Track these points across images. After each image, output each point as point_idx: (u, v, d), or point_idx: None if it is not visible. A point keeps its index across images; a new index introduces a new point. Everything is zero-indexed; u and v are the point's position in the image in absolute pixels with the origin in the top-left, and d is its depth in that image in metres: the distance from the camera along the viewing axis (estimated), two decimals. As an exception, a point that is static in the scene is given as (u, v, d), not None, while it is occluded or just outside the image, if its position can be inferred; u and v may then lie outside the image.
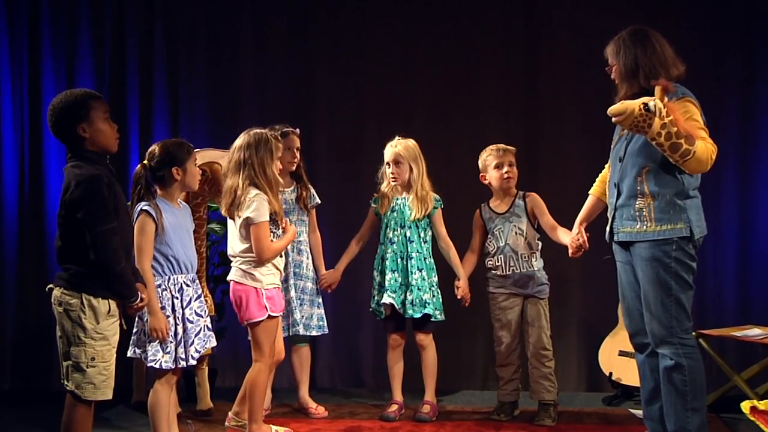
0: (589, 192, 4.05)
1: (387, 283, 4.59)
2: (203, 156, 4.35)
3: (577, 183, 4.95)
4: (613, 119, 3.32)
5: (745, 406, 4.09)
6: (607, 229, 3.71)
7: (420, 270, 4.60)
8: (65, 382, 3.27)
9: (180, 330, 3.75)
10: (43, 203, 5.53)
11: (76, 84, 5.54)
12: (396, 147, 4.63)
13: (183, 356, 3.75)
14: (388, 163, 4.65)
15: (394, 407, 4.68)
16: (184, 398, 4.80)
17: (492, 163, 4.66)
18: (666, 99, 3.33)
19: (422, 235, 4.66)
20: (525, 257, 4.60)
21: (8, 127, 5.63)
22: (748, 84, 5.32)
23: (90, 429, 3.35)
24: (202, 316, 3.86)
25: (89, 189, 3.17)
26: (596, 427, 4.50)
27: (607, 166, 3.92)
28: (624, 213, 3.59)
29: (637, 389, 4.81)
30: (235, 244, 4.08)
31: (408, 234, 4.63)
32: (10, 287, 5.57)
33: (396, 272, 4.60)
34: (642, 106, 3.24)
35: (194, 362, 3.84)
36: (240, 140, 4.05)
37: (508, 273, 4.63)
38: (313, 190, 4.75)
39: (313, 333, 4.69)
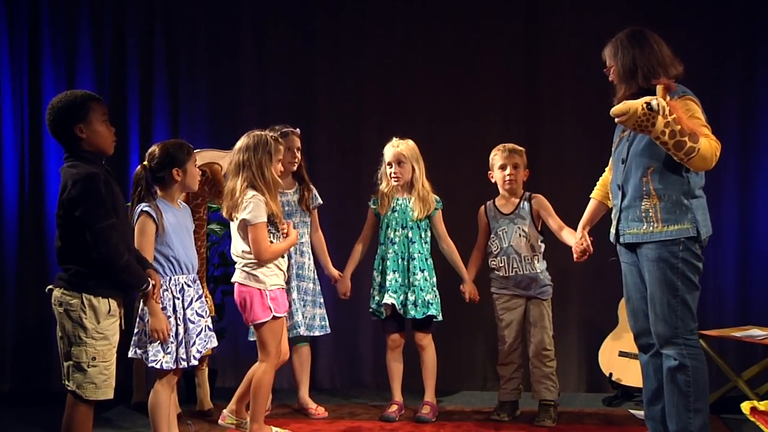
0: (591, 196, 4.04)
1: (388, 283, 4.59)
2: (203, 156, 4.35)
3: (576, 184, 4.97)
4: (616, 119, 3.32)
5: (745, 406, 4.09)
6: (612, 230, 3.71)
7: (422, 270, 4.61)
8: (66, 382, 3.28)
9: (181, 330, 3.75)
10: (43, 203, 5.55)
11: (76, 84, 5.55)
12: (398, 147, 4.62)
13: (184, 357, 3.75)
14: (389, 163, 4.64)
15: (394, 408, 4.68)
16: (184, 399, 4.81)
17: (497, 164, 4.67)
18: (668, 97, 3.33)
19: (423, 235, 4.66)
20: (528, 259, 4.60)
21: (8, 127, 5.63)
22: (748, 84, 5.32)
23: (90, 429, 3.35)
24: (203, 317, 3.86)
25: (86, 187, 3.19)
26: (596, 428, 4.50)
27: (607, 169, 3.92)
28: (630, 214, 3.58)
29: (637, 390, 4.83)
30: (236, 246, 4.09)
31: (410, 235, 4.63)
32: (10, 287, 5.57)
33: (397, 272, 4.60)
34: (644, 105, 3.24)
35: (196, 362, 3.84)
36: (240, 142, 4.06)
37: (510, 274, 4.63)
38: (315, 191, 4.74)
39: (316, 333, 4.69)
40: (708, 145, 3.32)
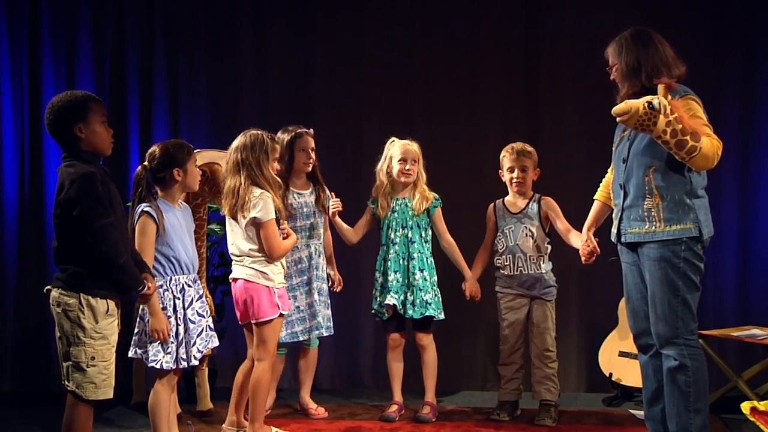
0: (594, 197, 4.04)
1: (389, 283, 4.59)
2: (203, 156, 4.35)
3: (577, 184, 4.99)
4: (618, 119, 3.31)
5: (745, 406, 4.10)
6: (614, 230, 3.70)
7: (421, 270, 4.61)
8: (66, 383, 3.29)
9: (182, 330, 3.75)
10: (43, 204, 5.55)
11: (76, 84, 5.55)
12: (412, 146, 4.64)
13: (185, 357, 3.75)
14: (403, 160, 4.62)
15: (394, 408, 4.68)
16: (184, 399, 4.81)
17: (506, 165, 4.67)
18: (669, 97, 3.33)
19: (423, 235, 4.66)
20: (533, 259, 4.59)
21: (8, 128, 5.63)
22: (748, 84, 5.32)
23: (91, 429, 3.36)
24: (203, 317, 3.86)
25: (83, 186, 3.20)
26: (596, 428, 4.50)
27: (610, 170, 3.92)
28: (632, 214, 3.58)
29: (638, 390, 4.83)
30: (241, 244, 4.08)
31: (409, 235, 4.63)
32: (10, 288, 5.57)
33: (398, 273, 4.60)
34: (646, 105, 3.23)
35: (196, 362, 3.85)
36: (237, 141, 4.08)
37: (515, 273, 4.63)
38: (327, 192, 4.72)
39: (323, 334, 4.66)
40: (710, 143, 3.31)
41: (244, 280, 4.07)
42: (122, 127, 5.44)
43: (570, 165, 5.33)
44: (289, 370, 4.94)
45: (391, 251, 4.63)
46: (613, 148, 3.77)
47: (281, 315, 4.11)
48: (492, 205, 4.79)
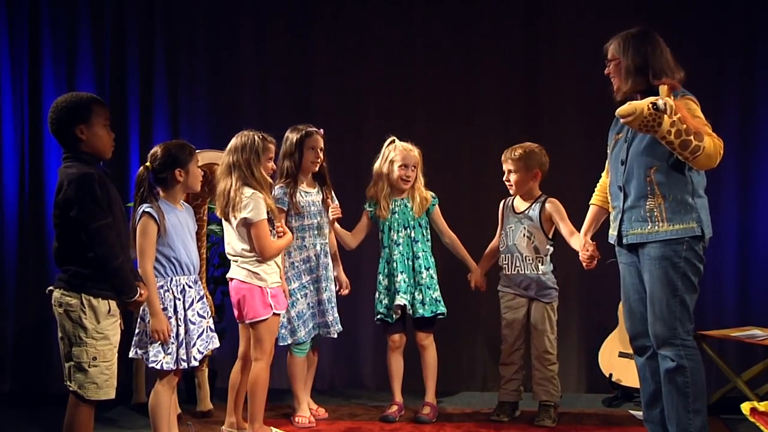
0: (591, 202, 4.03)
1: (397, 284, 4.59)
2: (203, 157, 4.35)
3: (577, 184, 4.99)
4: (622, 120, 3.29)
5: (746, 407, 4.09)
6: (614, 232, 3.69)
7: (427, 269, 4.63)
8: (68, 383, 3.30)
9: (182, 331, 3.75)
10: (43, 204, 5.54)
11: (76, 84, 5.55)
12: (413, 151, 4.64)
13: (185, 357, 3.75)
14: (404, 165, 4.62)
15: (394, 408, 4.69)
16: (184, 400, 4.80)
17: (503, 165, 4.67)
18: (672, 97, 3.31)
19: (425, 233, 4.68)
20: (529, 260, 4.59)
21: (8, 127, 5.63)
22: (748, 84, 5.32)
23: (92, 429, 3.37)
24: (204, 318, 3.86)
25: (81, 187, 3.22)
26: (596, 429, 4.51)
27: (604, 173, 3.91)
28: (633, 215, 3.57)
29: (637, 390, 4.81)
30: (234, 244, 4.13)
31: (412, 234, 4.64)
32: (10, 289, 5.56)
33: (404, 273, 4.61)
34: (650, 106, 3.21)
35: (197, 363, 3.85)
36: (230, 143, 4.15)
37: (512, 273, 4.63)
38: (333, 193, 4.71)
39: (334, 335, 4.65)
40: (712, 143, 3.30)
41: (238, 280, 4.13)
42: (122, 126, 5.44)
43: (570, 165, 5.33)
44: (286, 371, 4.90)
45: (396, 252, 4.63)
46: (608, 151, 3.76)
47: (275, 315, 4.12)
48: (503, 202, 4.78)
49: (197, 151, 4.00)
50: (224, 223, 4.17)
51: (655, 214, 3.50)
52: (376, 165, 4.70)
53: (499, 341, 4.74)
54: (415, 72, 5.60)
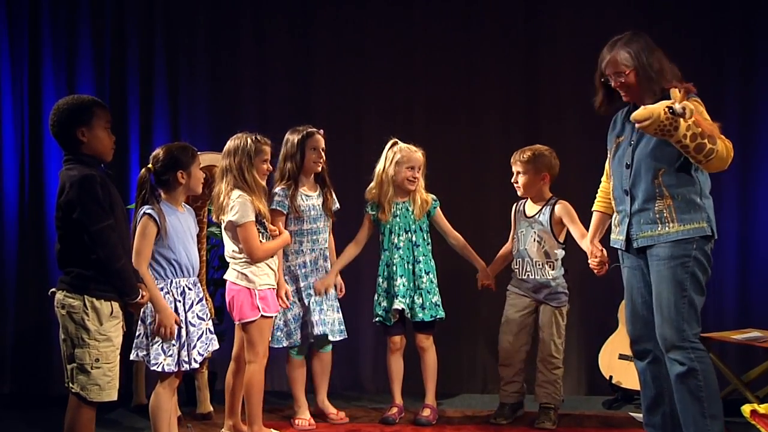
0: (593, 209, 4.00)
1: (396, 288, 4.58)
2: (203, 159, 4.33)
3: (577, 184, 4.99)
4: (637, 125, 3.24)
5: (746, 409, 4.09)
6: (619, 237, 3.65)
7: (427, 273, 4.62)
8: (70, 385, 3.31)
9: (183, 333, 3.74)
10: (43, 206, 5.52)
11: (75, 84, 5.54)
12: (418, 152, 4.63)
13: (186, 359, 3.74)
14: (411, 167, 4.60)
15: (394, 410, 4.68)
16: (184, 401, 4.79)
17: (512, 167, 4.65)
18: (686, 100, 3.24)
19: (426, 237, 4.67)
20: (539, 265, 4.56)
21: (8, 128, 5.61)
22: (748, 84, 5.32)
23: (93, 431, 3.37)
24: (204, 320, 3.85)
25: (83, 188, 3.22)
26: (596, 431, 4.51)
27: (605, 178, 3.88)
28: (642, 218, 3.54)
29: (638, 393, 4.80)
30: (227, 246, 4.20)
31: (413, 238, 4.63)
32: (10, 290, 5.55)
33: (404, 277, 4.60)
34: (667, 110, 3.17)
35: (197, 365, 3.84)
36: (225, 146, 4.19)
37: (523, 277, 4.61)
38: (334, 195, 4.69)
39: (336, 338, 4.64)
40: (724, 146, 3.28)
41: (229, 281, 4.18)
42: (122, 127, 5.42)
43: (570, 165, 5.29)
44: (284, 373, 4.89)
45: (396, 256, 4.62)
46: (610, 155, 3.72)
47: (264, 317, 4.12)
48: (515, 205, 4.76)
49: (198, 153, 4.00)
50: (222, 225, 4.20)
51: (665, 215, 3.47)
52: (379, 168, 4.67)
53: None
54: (415, 72, 5.59)
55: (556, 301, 4.57)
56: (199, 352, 3.80)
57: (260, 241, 4.13)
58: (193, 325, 3.79)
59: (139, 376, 4.92)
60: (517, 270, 4.63)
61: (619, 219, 3.67)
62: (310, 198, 4.57)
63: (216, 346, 3.94)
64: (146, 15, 5.62)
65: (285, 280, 4.51)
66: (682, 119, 3.17)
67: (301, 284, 4.54)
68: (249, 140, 4.13)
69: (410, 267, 4.62)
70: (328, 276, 4.61)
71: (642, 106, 3.26)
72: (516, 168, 4.61)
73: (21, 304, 5.53)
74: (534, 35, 5.51)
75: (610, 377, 4.95)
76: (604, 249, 3.97)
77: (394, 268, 4.61)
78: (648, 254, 3.55)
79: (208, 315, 3.92)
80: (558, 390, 4.57)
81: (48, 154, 5.56)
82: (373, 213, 4.71)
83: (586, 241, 4.33)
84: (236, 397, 4.29)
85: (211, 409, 4.77)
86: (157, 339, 3.67)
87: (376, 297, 4.68)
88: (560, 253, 4.59)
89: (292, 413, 4.67)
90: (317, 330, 4.51)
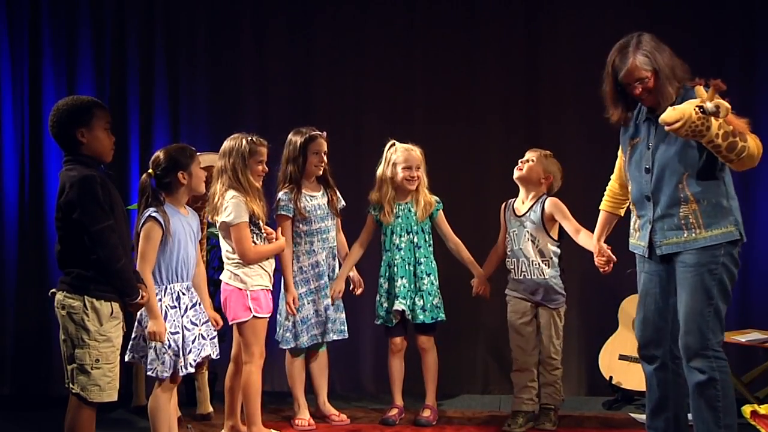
0: (600, 208, 3.91)
1: (397, 289, 4.58)
2: (203, 160, 4.33)
3: (577, 184, 4.99)
4: (667, 128, 3.13)
5: (746, 410, 4.10)
6: (640, 242, 3.53)
7: (428, 275, 4.61)
8: (70, 385, 3.31)
9: (178, 338, 3.73)
10: (43, 207, 5.53)
11: (76, 85, 5.55)
12: (415, 151, 4.62)
13: (182, 364, 3.74)
14: (408, 167, 4.60)
15: (395, 411, 4.68)
16: (184, 402, 4.78)
17: (525, 155, 4.61)
18: (716, 97, 3.11)
19: (427, 239, 4.67)
20: (536, 264, 4.51)
21: (8, 129, 5.61)
22: (748, 84, 5.31)
23: (93, 431, 3.37)
24: (197, 325, 3.83)
25: (83, 189, 3.22)
26: (596, 431, 4.50)
27: (614, 178, 3.81)
28: (665, 224, 3.41)
29: (638, 393, 4.84)
30: (222, 247, 4.24)
31: (415, 240, 4.62)
32: (10, 291, 5.55)
33: (405, 278, 4.59)
34: (698, 109, 3.06)
35: (192, 370, 3.82)
36: (222, 147, 4.21)
37: (519, 277, 4.55)
38: (338, 193, 4.70)
39: (335, 337, 4.63)
40: (754, 143, 3.19)
41: (223, 281, 4.21)
42: (122, 127, 5.43)
43: (570, 165, 5.27)
44: (284, 374, 4.88)
45: (397, 257, 4.62)
46: (625, 158, 3.60)
47: (256, 318, 4.12)
48: (504, 204, 4.71)
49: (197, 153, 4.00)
50: None
51: (691, 220, 3.35)
52: (379, 171, 4.67)
53: (500, 344, 4.71)
54: (415, 72, 5.59)
55: (553, 302, 4.52)
56: (193, 358, 3.79)
57: (254, 243, 4.14)
58: (188, 330, 3.78)
59: (139, 376, 4.91)
60: (513, 270, 4.59)
61: (640, 224, 3.55)
62: (314, 198, 4.57)
63: (208, 351, 3.88)
64: (146, 15, 5.62)
65: (296, 282, 4.52)
66: (713, 118, 3.06)
67: (315, 284, 4.55)
68: (244, 141, 4.14)
69: (411, 268, 4.62)
70: (338, 281, 4.64)
71: (669, 108, 3.15)
72: (530, 155, 4.55)
73: (21, 305, 5.53)
74: (534, 35, 5.50)
75: (610, 378, 4.95)
76: (610, 248, 3.92)
77: (395, 269, 4.61)
78: (674, 261, 3.42)
79: (201, 320, 3.88)
80: (558, 390, 4.56)
81: (48, 155, 5.57)
82: (376, 214, 4.71)
83: (582, 235, 4.32)
84: (236, 397, 4.30)
85: (211, 409, 4.77)
86: (152, 344, 3.66)
87: (378, 298, 4.68)
88: (555, 251, 4.54)
89: (292, 414, 4.67)
90: (328, 338, 4.57)
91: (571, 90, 5.39)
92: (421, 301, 4.58)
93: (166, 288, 3.75)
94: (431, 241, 4.69)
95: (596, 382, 5.24)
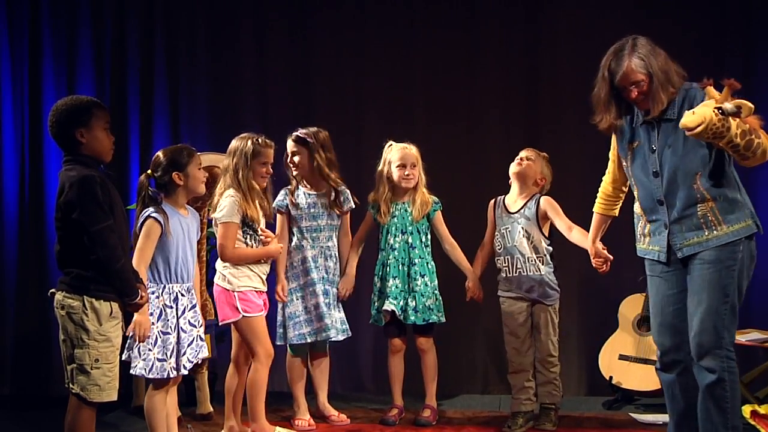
0: (594, 210, 3.88)
1: (388, 289, 4.57)
2: (204, 160, 4.33)
3: (577, 184, 4.99)
4: (688, 132, 3.09)
5: (746, 410, 4.11)
6: (655, 247, 3.47)
7: (423, 276, 4.60)
8: (70, 385, 3.31)
9: (174, 339, 3.73)
10: (43, 207, 5.54)
11: (76, 84, 5.56)
12: (410, 149, 4.62)
13: (175, 365, 3.73)
14: (402, 165, 4.60)
15: (395, 411, 4.68)
16: (184, 402, 4.79)
17: (520, 153, 4.60)
18: (731, 97, 3.10)
19: (423, 239, 4.65)
20: (532, 260, 4.48)
21: (8, 129, 5.62)
22: (749, 84, 5.28)
23: (93, 431, 3.37)
24: (195, 326, 3.82)
25: (82, 189, 3.22)
26: (596, 431, 4.50)
27: (608, 181, 3.78)
28: (684, 225, 3.35)
29: (638, 393, 4.84)
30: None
31: (410, 240, 4.62)
32: (10, 292, 5.55)
33: (397, 278, 4.59)
34: (717, 111, 3.03)
35: (186, 372, 3.81)
36: (229, 146, 4.22)
37: (513, 275, 4.52)
38: (348, 193, 4.68)
39: (340, 337, 4.63)
40: (766, 138, 3.16)
41: (215, 282, 4.22)
42: (122, 127, 5.44)
43: (570, 165, 5.30)
44: (285, 374, 4.88)
45: (391, 257, 4.62)
46: (627, 163, 3.54)
47: (246, 317, 4.12)
48: (493, 201, 4.69)
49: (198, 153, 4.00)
50: None
51: (710, 218, 3.30)
52: (378, 170, 4.69)
53: (500, 344, 4.69)
54: (415, 72, 5.60)
55: (549, 299, 4.50)
56: (189, 359, 3.79)
57: (247, 245, 4.15)
58: (185, 332, 3.77)
59: (139, 377, 4.90)
60: (505, 269, 4.54)
61: (651, 229, 3.48)
62: (310, 196, 4.58)
63: (205, 353, 3.90)
64: (146, 15, 5.63)
65: (287, 276, 4.56)
66: (731, 118, 3.04)
67: (304, 280, 4.56)
68: (249, 142, 4.15)
69: (405, 269, 4.61)
70: (347, 278, 4.67)
71: (688, 112, 3.12)
72: (528, 154, 4.55)
73: (21, 305, 5.54)
74: (534, 35, 5.51)
75: (610, 378, 4.94)
76: (605, 248, 3.93)
77: (389, 269, 4.61)
78: (690, 261, 3.37)
79: (200, 322, 3.88)
80: (557, 387, 4.53)
81: (48, 155, 5.57)
82: (374, 212, 4.71)
83: (575, 233, 4.33)
84: (235, 398, 4.30)
85: (211, 409, 4.77)
86: (148, 345, 3.65)
87: (372, 296, 4.69)
88: (548, 248, 4.52)
89: (292, 414, 4.68)
90: (332, 334, 4.55)
91: (571, 90, 5.38)
92: (414, 302, 4.56)
93: (164, 287, 3.74)
94: (428, 242, 4.68)
95: (596, 382, 5.24)
